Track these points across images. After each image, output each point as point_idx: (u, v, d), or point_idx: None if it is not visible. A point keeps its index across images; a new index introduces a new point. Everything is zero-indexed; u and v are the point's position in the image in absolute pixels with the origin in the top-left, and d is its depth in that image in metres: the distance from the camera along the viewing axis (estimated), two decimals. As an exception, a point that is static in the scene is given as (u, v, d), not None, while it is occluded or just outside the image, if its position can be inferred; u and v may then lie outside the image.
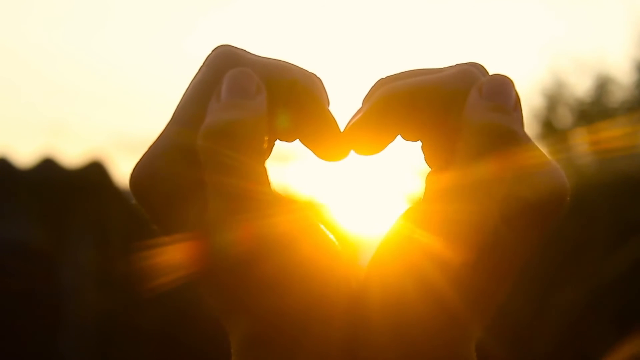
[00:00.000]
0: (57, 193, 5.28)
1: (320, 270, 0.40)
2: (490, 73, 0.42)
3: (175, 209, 0.40)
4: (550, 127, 6.36)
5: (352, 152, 0.44)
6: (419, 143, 0.44)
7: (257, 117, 0.39)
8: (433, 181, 0.44)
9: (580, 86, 6.38)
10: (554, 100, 6.41)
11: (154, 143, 0.41)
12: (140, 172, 0.41)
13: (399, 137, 0.44)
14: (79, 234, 5.23)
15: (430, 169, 0.45)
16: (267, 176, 0.40)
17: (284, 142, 0.44)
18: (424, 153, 0.44)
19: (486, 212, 0.39)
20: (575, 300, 3.83)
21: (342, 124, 0.43)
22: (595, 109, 6.22)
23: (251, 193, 0.39)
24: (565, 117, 6.40)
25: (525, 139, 0.41)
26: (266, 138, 0.40)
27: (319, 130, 0.43)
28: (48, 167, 5.40)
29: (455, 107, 0.42)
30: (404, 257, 0.40)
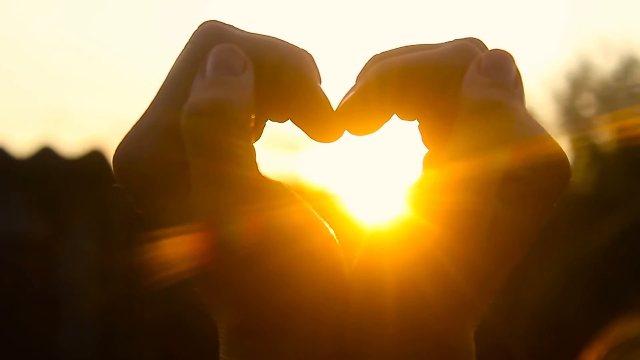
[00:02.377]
0: (56, 183, 5.30)
1: (328, 261, 0.41)
2: (490, 48, 0.42)
3: (159, 192, 0.41)
4: (573, 113, 6.33)
5: (346, 133, 0.44)
6: (416, 123, 0.44)
7: (244, 95, 0.39)
8: (430, 163, 0.44)
9: (605, 69, 6.34)
10: (578, 84, 6.38)
11: (137, 123, 0.41)
12: (123, 153, 0.41)
13: (395, 117, 0.44)
14: (79, 225, 5.25)
15: (427, 150, 0.45)
16: (254, 158, 0.40)
17: (275, 123, 0.44)
18: (420, 133, 0.44)
19: (484, 198, 0.39)
20: (554, 278, 3.83)
21: (335, 103, 0.43)
22: (621, 94, 6.19)
23: (256, 182, 0.40)
24: (589, 102, 6.37)
25: (526, 116, 0.41)
26: (253, 117, 0.40)
27: (311, 110, 0.43)
28: (46, 157, 5.42)
29: (452, 84, 0.42)
30: (406, 244, 0.40)
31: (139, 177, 0.41)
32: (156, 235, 0.41)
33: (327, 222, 0.42)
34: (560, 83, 6.27)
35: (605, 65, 6.27)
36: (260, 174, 0.40)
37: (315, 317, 0.41)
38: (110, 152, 5.39)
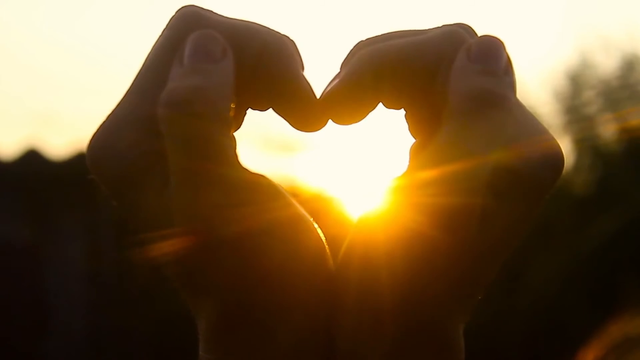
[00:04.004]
0: (43, 187, 5.29)
1: (312, 257, 0.40)
2: (480, 35, 0.42)
3: (136, 183, 0.40)
4: (575, 112, 6.33)
5: (329, 122, 0.44)
6: (402, 112, 0.44)
7: (223, 83, 0.39)
8: (417, 154, 0.43)
9: (607, 67, 6.34)
10: (579, 82, 6.37)
11: (112, 112, 0.41)
12: (98, 143, 0.41)
13: (380, 106, 0.44)
14: (67, 229, 5.24)
15: (414, 140, 0.44)
16: (235, 150, 0.40)
17: (256, 111, 0.44)
18: (407, 123, 0.44)
19: (474, 191, 0.39)
20: (550, 275, 3.87)
21: (318, 91, 0.43)
22: (623, 92, 6.19)
23: (238, 179, 0.39)
24: (591, 101, 6.37)
25: (517, 105, 0.41)
26: (233, 106, 0.40)
27: (293, 98, 0.42)
28: (33, 160, 5.41)
29: (441, 71, 0.41)
30: (392, 239, 0.40)
31: (114, 168, 0.40)
32: (147, 239, 0.40)
33: (323, 224, 0.42)
34: (561, 81, 6.27)
35: (608, 62, 6.27)
36: (241, 166, 0.40)
37: (297, 313, 0.40)
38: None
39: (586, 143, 5.17)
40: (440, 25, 0.43)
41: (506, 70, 0.40)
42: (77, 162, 5.35)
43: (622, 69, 6.24)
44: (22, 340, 5.04)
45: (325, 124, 0.43)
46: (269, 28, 0.42)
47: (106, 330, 5.06)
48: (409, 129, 0.44)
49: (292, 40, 0.42)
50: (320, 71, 0.46)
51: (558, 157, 0.41)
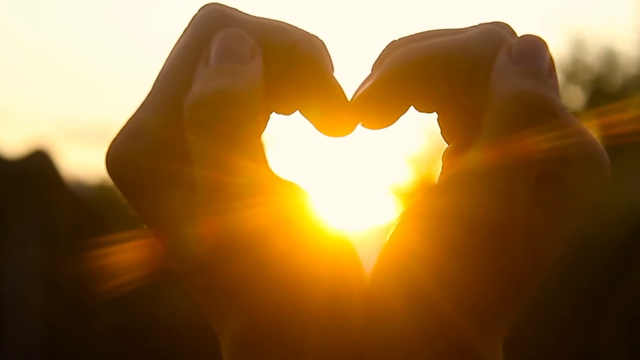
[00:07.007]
0: (-4, 185, 5.25)
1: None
2: (520, 34, 0.42)
3: (157, 190, 0.40)
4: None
5: (359, 126, 0.43)
6: (433, 115, 0.44)
7: (252, 85, 0.38)
8: (451, 160, 0.43)
9: (588, 61, 6.41)
10: (564, 75, 6.44)
11: (133, 116, 0.40)
12: (118, 150, 0.40)
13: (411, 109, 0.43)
14: (22, 231, 5.20)
15: (447, 145, 0.44)
16: (263, 153, 0.39)
17: (281, 115, 0.44)
18: (440, 126, 0.44)
19: (515, 201, 0.39)
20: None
21: (349, 94, 0.43)
22: (604, 86, 6.27)
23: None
24: (575, 96, 6.44)
25: (561, 108, 0.40)
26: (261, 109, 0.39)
27: (322, 101, 0.42)
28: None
29: (479, 73, 0.41)
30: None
31: (137, 176, 0.40)
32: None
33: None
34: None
35: (590, 58, 6.34)
36: (270, 172, 0.39)
37: (326, 325, 0.40)
38: (55, 152, 5.33)
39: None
40: (476, 24, 0.42)
41: (550, 71, 0.40)
42: (33, 160, 5.31)
43: (603, 65, 6.32)
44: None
45: (354, 128, 0.43)
46: (297, 27, 0.41)
47: (64, 335, 5.03)
48: (442, 133, 0.44)
49: (321, 41, 0.42)
50: (347, 72, 0.45)
51: (604, 163, 0.41)
